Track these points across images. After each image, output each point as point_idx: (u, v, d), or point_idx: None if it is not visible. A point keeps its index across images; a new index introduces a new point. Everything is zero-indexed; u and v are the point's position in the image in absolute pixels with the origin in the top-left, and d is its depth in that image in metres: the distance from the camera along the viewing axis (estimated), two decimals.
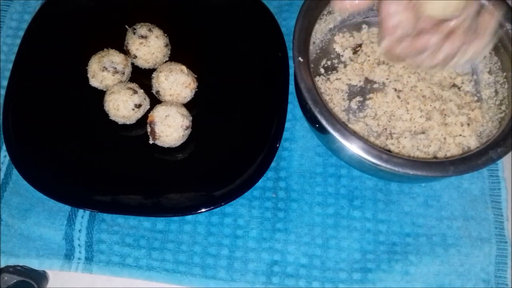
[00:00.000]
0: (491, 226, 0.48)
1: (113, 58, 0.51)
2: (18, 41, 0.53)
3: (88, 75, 0.51)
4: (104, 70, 0.50)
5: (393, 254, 0.47)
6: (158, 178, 0.49)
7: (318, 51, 0.53)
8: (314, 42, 0.51)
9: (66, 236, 0.48)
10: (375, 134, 0.49)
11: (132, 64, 0.53)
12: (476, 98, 0.50)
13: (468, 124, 0.48)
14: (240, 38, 0.54)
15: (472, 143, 0.47)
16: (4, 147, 0.50)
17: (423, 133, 0.48)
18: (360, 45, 0.53)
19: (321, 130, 0.43)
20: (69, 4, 0.55)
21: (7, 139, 0.49)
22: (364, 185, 0.50)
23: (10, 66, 0.53)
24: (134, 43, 0.51)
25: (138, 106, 0.49)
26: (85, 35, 0.54)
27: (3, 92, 0.52)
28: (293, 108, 0.53)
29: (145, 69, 0.53)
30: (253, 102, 0.52)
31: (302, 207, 0.49)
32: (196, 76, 0.51)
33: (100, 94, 0.51)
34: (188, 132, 0.49)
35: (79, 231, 0.48)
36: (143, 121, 0.50)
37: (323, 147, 0.51)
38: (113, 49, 0.52)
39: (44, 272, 0.47)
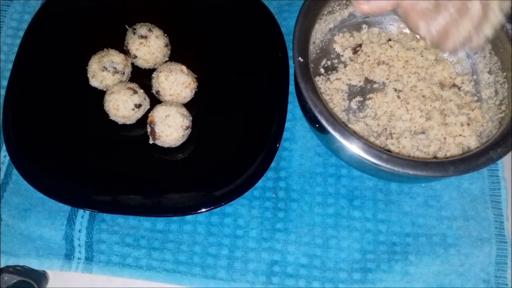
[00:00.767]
0: (491, 226, 0.48)
1: (113, 58, 0.51)
2: (18, 41, 0.54)
3: (88, 75, 0.51)
4: (104, 70, 0.50)
5: (393, 254, 0.47)
6: (158, 178, 0.49)
7: (318, 51, 0.53)
8: (314, 42, 0.51)
9: (66, 236, 0.48)
10: (375, 134, 0.49)
11: (132, 64, 0.53)
12: (476, 98, 0.50)
13: (468, 124, 0.48)
14: (240, 38, 0.54)
15: (472, 143, 0.47)
16: (4, 147, 0.50)
17: (423, 133, 0.48)
18: (360, 45, 0.53)
19: (321, 130, 0.43)
20: (69, 4, 0.55)
21: (7, 139, 0.49)
22: (364, 185, 0.50)
23: (10, 66, 0.53)
24: (134, 43, 0.51)
25: (138, 106, 0.49)
26: (85, 35, 0.54)
27: (3, 92, 0.52)
28: (293, 108, 0.53)
29: (145, 69, 0.53)
30: (253, 102, 0.52)
31: (302, 207, 0.49)
32: (196, 76, 0.51)
33: (100, 94, 0.51)
34: (188, 132, 0.49)
35: (79, 231, 0.48)
36: (143, 121, 0.50)
37: (323, 147, 0.51)
38: (113, 49, 0.52)
39: (44, 272, 0.47)
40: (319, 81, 0.51)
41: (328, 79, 0.51)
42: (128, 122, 0.51)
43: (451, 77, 0.51)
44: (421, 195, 0.49)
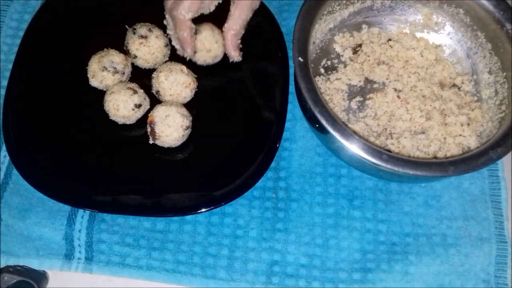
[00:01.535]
0: (491, 226, 0.48)
1: (113, 58, 0.51)
2: (18, 41, 0.54)
3: (88, 75, 0.51)
4: (104, 70, 0.50)
5: (393, 254, 0.47)
6: (158, 178, 0.49)
7: (318, 51, 0.53)
8: (314, 42, 0.51)
9: (66, 236, 0.48)
10: (375, 134, 0.49)
11: (132, 64, 0.53)
12: (476, 98, 0.50)
13: (468, 124, 0.48)
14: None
15: (472, 143, 0.47)
16: (4, 147, 0.50)
17: (423, 133, 0.48)
18: (360, 45, 0.53)
19: (321, 130, 0.43)
20: (69, 4, 0.55)
21: (7, 139, 0.49)
22: (364, 185, 0.50)
23: (10, 66, 0.53)
24: (134, 43, 0.51)
25: (138, 106, 0.49)
26: (85, 35, 0.54)
27: (3, 92, 0.52)
28: (293, 108, 0.53)
29: (145, 69, 0.53)
30: (253, 102, 0.52)
31: (302, 207, 0.49)
32: (196, 76, 0.51)
33: (100, 94, 0.51)
34: (188, 132, 0.49)
35: (79, 231, 0.48)
36: (143, 121, 0.50)
37: (323, 147, 0.51)
38: (113, 49, 0.52)
39: (44, 272, 0.47)
40: (319, 81, 0.51)
41: (328, 79, 0.51)
42: (128, 122, 0.51)
43: (451, 77, 0.51)
44: (421, 195, 0.49)
